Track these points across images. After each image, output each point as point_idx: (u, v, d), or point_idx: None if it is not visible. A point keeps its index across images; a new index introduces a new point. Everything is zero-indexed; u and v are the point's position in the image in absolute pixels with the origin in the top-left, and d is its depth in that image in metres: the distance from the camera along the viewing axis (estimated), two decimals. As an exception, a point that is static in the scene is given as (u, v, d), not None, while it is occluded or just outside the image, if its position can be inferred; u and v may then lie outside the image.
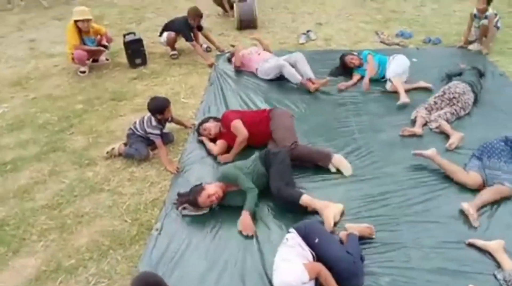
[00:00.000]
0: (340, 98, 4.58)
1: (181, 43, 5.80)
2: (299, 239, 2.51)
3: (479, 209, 2.98)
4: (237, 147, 3.68)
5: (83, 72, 5.41)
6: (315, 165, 3.53)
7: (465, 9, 7.10)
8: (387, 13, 7.09)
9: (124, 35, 5.57)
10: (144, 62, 5.62)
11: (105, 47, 5.55)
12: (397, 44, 5.85)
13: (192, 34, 5.63)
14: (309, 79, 4.76)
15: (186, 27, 5.61)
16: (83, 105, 4.70)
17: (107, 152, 3.79)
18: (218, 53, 5.85)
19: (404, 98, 4.29)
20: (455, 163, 3.34)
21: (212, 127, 3.86)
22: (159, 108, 3.74)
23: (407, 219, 2.97)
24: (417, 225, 2.92)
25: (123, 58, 5.68)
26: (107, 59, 5.76)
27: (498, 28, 5.43)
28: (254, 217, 3.02)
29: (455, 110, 4.03)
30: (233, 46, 5.27)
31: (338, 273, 2.38)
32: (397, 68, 4.62)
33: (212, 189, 3.08)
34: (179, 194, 3.21)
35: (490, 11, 5.25)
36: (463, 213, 2.96)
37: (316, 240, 2.49)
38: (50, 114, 4.56)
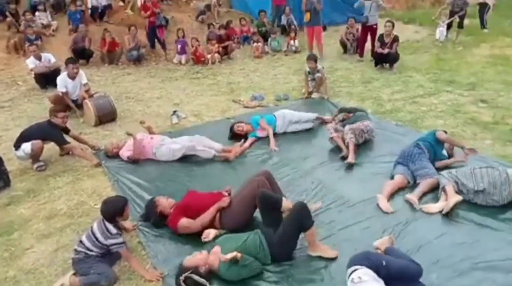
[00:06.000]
0: (260, 155, 4.87)
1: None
2: (370, 272, 2.54)
3: (420, 199, 3.77)
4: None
5: None
6: None
7: (281, 72, 8.61)
8: (226, 86, 7.82)
9: (-28, 159, 4.39)
10: (7, 184, 4.49)
11: None
12: (259, 106, 6.58)
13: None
14: (223, 150, 4.85)
15: (55, 130, 4.85)
16: (-40, 258, 3.39)
17: (57, 293, 2.87)
18: (93, 151, 5.22)
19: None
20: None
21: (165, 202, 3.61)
22: (119, 208, 3.08)
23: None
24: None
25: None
26: None
27: (325, 78, 6.85)
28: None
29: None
30: (129, 134, 4.87)
31: (412, 279, 2.66)
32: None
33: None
34: None
35: (319, 66, 6.62)
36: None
37: (384, 263, 2.59)
38: None
